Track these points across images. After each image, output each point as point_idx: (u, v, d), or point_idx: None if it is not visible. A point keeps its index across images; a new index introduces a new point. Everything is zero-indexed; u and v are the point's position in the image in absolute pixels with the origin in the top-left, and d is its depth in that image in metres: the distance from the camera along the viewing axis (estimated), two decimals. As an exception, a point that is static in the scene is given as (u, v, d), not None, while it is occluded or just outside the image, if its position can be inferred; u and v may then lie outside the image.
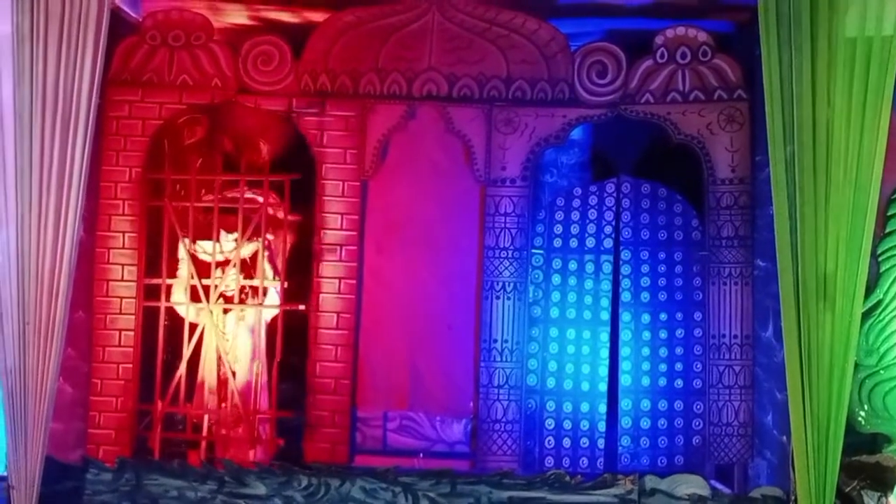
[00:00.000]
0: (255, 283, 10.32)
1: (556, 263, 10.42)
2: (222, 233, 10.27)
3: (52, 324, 7.61)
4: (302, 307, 10.18)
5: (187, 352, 10.18)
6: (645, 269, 10.33)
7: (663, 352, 10.25)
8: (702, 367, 10.13)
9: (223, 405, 10.16)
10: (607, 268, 10.39)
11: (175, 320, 10.34)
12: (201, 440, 10.16)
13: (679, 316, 10.26)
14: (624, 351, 10.27)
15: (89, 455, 9.07)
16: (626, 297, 10.33)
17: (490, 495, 8.09)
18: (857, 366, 8.02)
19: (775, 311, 8.32)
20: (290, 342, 10.30)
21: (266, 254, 10.22)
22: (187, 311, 10.24)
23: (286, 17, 10.35)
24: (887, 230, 8.46)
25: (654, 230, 10.36)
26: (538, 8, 10.21)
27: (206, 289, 10.24)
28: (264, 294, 10.30)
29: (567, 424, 10.27)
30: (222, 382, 10.20)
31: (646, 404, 10.21)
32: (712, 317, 10.09)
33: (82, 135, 7.64)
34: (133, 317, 10.12)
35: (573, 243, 10.44)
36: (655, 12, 10.07)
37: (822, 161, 7.36)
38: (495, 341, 10.18)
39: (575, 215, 10.46)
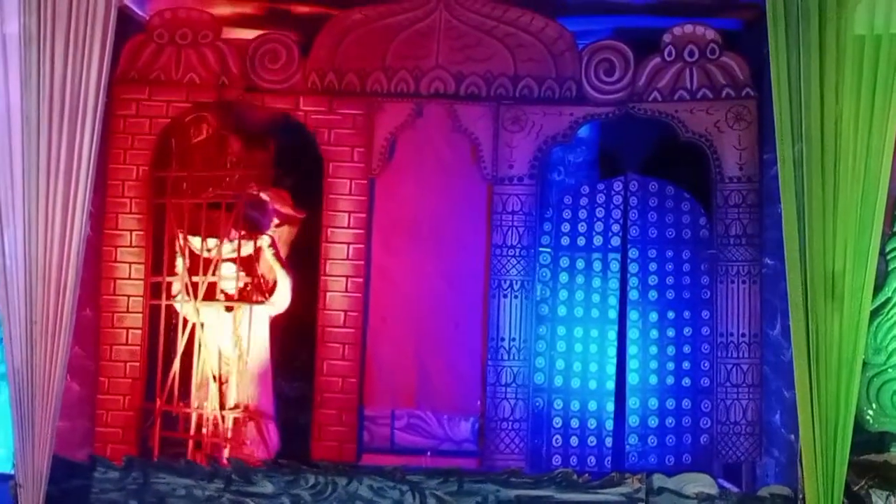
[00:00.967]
0: (261, 280, 10.31)
1: (564, 261, 10.41)
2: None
3: (60, 322, 7.61)
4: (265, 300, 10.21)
5: (180, 349, 10.15)
6: (653, 267, 10.32)
7: (671, 350, 10.24)
8: (710, 366, 10.12)
9: (223, 403, 10.09)
10: (615, 266, 10.38)
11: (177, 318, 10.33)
12: (200, 439, 10.10)
13: (687, 314, 10.25)
14: (631, 349, 10.26)
15: (96, 453, 9.08)
16: (633, 295, 10.32)
17: (497, 494, 8.09)
18: (865, 364, 8.01)
19: (783, 309, 8.30)
20: (296, 340, 10.31)
21: (272, 251, 10.18)
22: (181, 308, 10.20)
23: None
24: (895, 228, 8.44)
25: (661, 228, 10.34)
26: (546, 6, 10.20)
27: (195, 286, 10.21)
28: (270, 291, 10.27)
29: (574, 423, 10.26)
30: (223, 380, 10.14)
31: (653, 403, 10.20)
32: (720, 315, 10.07)
33: (89, 133, 7.64)
34: (140, 315, 10.14)
35: (581, 241, 10.43)
36: (663, 10, 10.06)
37: (830, 159, 7.34)
38: (503, 339, 10.18)
39: (582, 213, 10.45)
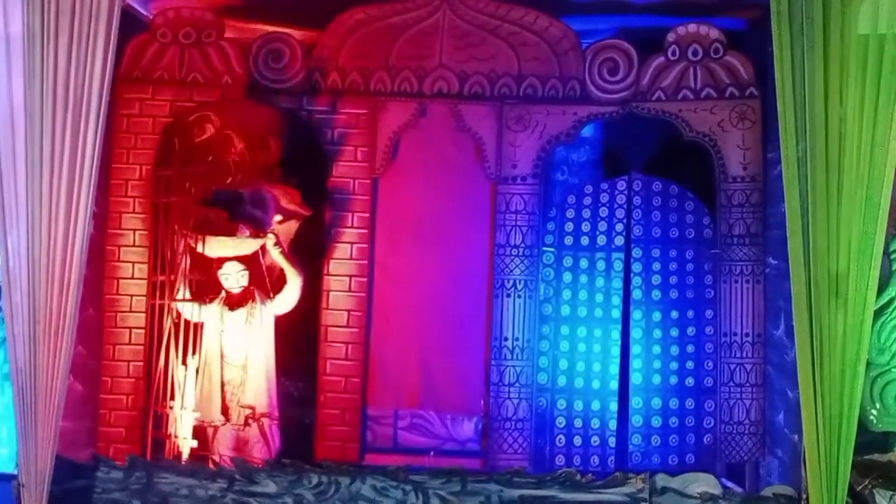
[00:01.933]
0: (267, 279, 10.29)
1: (567, 261, 10.40)
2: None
3: (63, 322, 7.60)
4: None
5: (177, 351, 10.12)
6: (656, 266, 10.32)
7: (674, 350, 10.24)
8: (713, 366, 10.12)
9: (227, 407, 10.04)
10: (618, 266, 10.38)
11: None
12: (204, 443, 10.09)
13: (690, 314, 10.25)
14: (635, 349, 10.26)
15: (100, 453, 9.07)
16: (637, 294, 10.32)
17: (501, 494, 8.08)
18: (868, 364, 7.99)
19: (787, 309, 8.29)
20: (299, 340, 10.31)
21: (279, 249, 10.13)
22: (184, 308, 10.11)
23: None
24: (899, 228, 8.44)
25: (665, 228, 10.34)
26: (549, 5, 10.19)
27: (200, 285, 10.18)
28: (274, 290, 10.24)
29: (578, 423, 10.26)
30: (229, 380, 10.09)
31: (657, 402, 10.20)
32: (724, 315, 10.07)
33: (93, 133, 7.63)
34: (143, 315, 10.14)
35: (584, 241, 10.43)
36: (667, 9, 10.05)
37: (834, 159, 7.33)
38: (506, 339, 10.18)
39: (586, 213, 10.45)
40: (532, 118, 10.23)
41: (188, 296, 10.08)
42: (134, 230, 10.18)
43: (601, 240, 10.42)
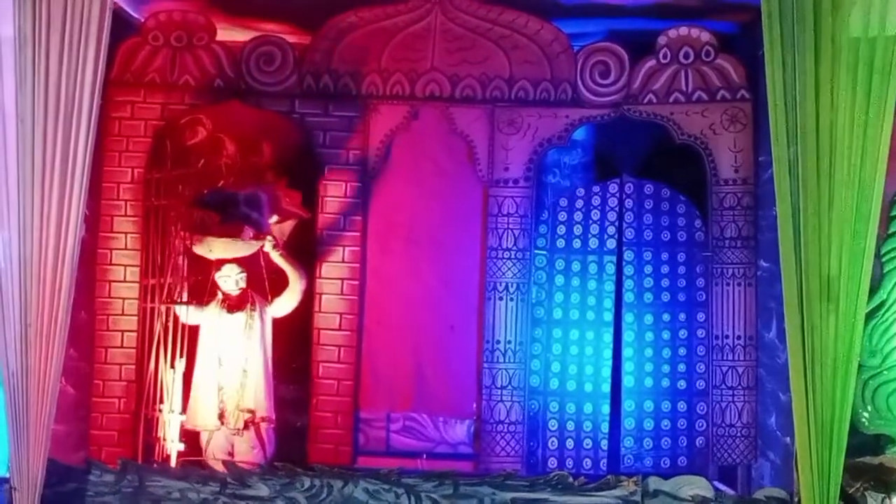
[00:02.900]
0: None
1: (559, 264, 10.41)
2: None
3: (54, 325, 7.58)
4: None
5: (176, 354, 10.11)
6: (648, 269, 10.33)
7: (666, 353, 10.25)
8: (705, 368, 10.13)
9: (223, 408, 9.99)
10: (610, 268, 10.39)
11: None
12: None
13: (682, 317, 10.26)
14: (627, 352, 10.27)
15: (92, 456, 9.06)
16: (629, 297, 10.33)
17: (493, 497, 8.07)
18: (860, 367, 7.99)
19: (779, 311, 8.30)
20: (292, 343, 10.30)
21: (279, 252, 10.07)
22: (182, 312, 10.03)
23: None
24: (890, 231, 8.45)
25: (657, 231, 10.35)
26: (541, 8, 10.19)
27: (198, 288, 10.17)
28: (276, 293, 10.17)
29: (570, 425, 10.27)
30: (228, 384, 10.01)
31: (649, 405, 10.20)
32: (715, 318, 10.08)
33: (84, 136, 7.61)
34: (135, 318, 10.12)
35: (576, 244, 10.44)
36: (658, 12, 10.05)
37: (825, 162, 7.33)
38: (498, 342, 10.18)
39: (578, 216, 10.46)
40: (524, 121, 10.24)
41: (185, 298, 10.03)
42: (126, 233, 10.17)
43: (593, 243, 10.42)
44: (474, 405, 10.31)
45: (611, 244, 10.41)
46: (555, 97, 10.22)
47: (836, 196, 7.32)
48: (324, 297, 10.15)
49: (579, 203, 10.49)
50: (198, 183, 10.24)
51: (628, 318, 10.31)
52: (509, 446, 10.11)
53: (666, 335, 10.26)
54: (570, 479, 8.12)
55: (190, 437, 9.97)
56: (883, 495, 8.04)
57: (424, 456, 10.31)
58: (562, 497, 8.05)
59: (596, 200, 10.47)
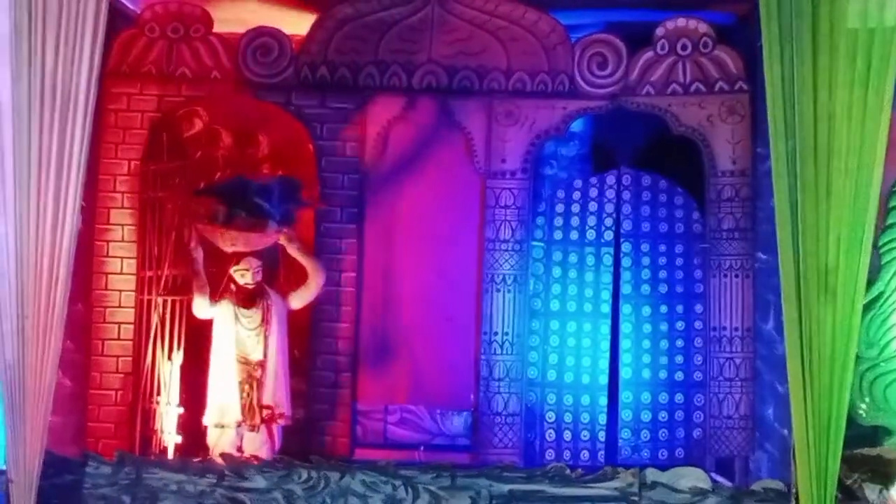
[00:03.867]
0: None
1: (557, 256, 10.42)
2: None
3: (51, 317, 7.56)
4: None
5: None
6: (645, 261, 10.34)
7: (664, 344, 10.26)
8: (702, 360, 10.14)
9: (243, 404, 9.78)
10: (608, 260, 10.40)
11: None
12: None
13: (680, 308, 10.27)
14: (624, 343, 10.28)
15: (89, 449, 9.05)
16: (626, 289, 10.33)
17: (490, 488, 8.06)
18: (858, 358, 7.97)
19: (776, 303, 8.30)
20: (289, 335, 10.27)
21: (296, 245, 9.84)
22: (197, 306, 9.80)
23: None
24: (888, 222, 8.43)
25: (654, 222, 10.36)
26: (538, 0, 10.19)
27: (217, 280, 10.07)
28: (291, 286, 10.00)
29: (568, 417, 10.27)
30: (246, 379, 9.76)
31: (646, 397, 10.21)
32: (713, 309, 10.08)
33: (80, 128, 7.59)
34: (132, 310, 10.11)
35: (574, 235, 10.44)
36: (656, 3, 10.07)
37: (823, 153, 7.31)
38: (496, 334, 10.18)
39: (575, 207, 10.47)
40: (521, 113, 10.23)
41: (203, 291, 9.72)
42: (122, 225, 10.16)
43: (590, 234, 10.43)
44: (472, 397, 10.31)
45: (608, 236, 10.42)
46: (552, 89, 10.21)
47: (833, 187, 7.31)
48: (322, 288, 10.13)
49: (577, 195, 10.50)
50: (194, 175, 10.22)
51: (626, 309, 10.31)
52: (507, 438, 10.11)
53: (663, 327, 10.27)
54: (568, 471, 8.11)
55: (191, 431, 9.87)
56: (880, 486, 8.03)
57: (422, 448, 10.32)
58: (559, 489, 8.05)
59: (593, 192, 10.48)
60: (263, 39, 10.22)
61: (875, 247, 8.12)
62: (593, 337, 10.36)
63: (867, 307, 8.17)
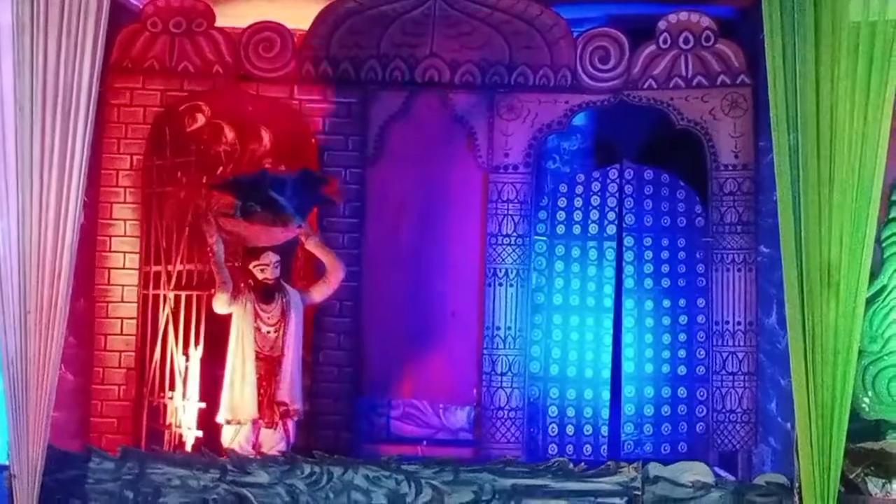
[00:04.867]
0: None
1: (559, 250, 10.41)
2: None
3: (54, 312, 7.57)
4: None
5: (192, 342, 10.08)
6: (648, 255, 10.32)
7: (666, 338, 10.25)
8: (705, 354, 10.13)
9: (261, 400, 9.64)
10: (610, 254, 10.39)
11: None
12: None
13: (682, 302, 10.26)
14: (627, 338, 10.28)
15: (91, 443, 9.04)
16: (629, 283, 10.33)
17: (493, 483, 8.06)
18: (860, 352, 7.96)
19: (779, 297, 8.28)
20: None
21: (315, 240, 9.63)
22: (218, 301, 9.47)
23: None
24: (890, 216, 8.41)
25: (657, 216, 10.35)
26: (540, -7, 10.19)
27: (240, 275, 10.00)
28: (309, 281, 9.87)
29: (570, 412, 10.27)
30: (264, 376, 9.42)
31: (649, 391, 10.21)
32: (716, 303, 10.07)
33: (83, 123, 7.60)
34: (135, 305, 10.13)
35: (576, 230, 10.43)
36: (658, -3, 10.07)
37: (825, 146, 7.31)
38: (498, 328, 10.18)
39: (578, 202, 10.46)
40: (523, 107, 10.23)
41: (226, 288, 9.42)
42: (125, 220, 10.18)
43: (593, 228, 10.42)
44: (474, 392, 10.30)
45: (611, 230, 10.41)
46: (554, 83, 10.21)
47: (836, 181, 7.31)
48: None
49: (579, 189, 10.49)
50: (197, 169, 10.21)
51: (628, 303, 10.31)
52: (509, 433, 10.11)
53: (666, 321, 10.27)
54: (571, 466, 8.11)
55: (204, 427, 9.80)
56: (883, 480, 8.03)
57: (424, 442, 10.31)
58: (562, 483, 8.05)
59: (596, 186, 10.47)
60: (266, 34, 10.22)
61: (878, 241, 8.12)
62: (596, 331, 10.35)
63: (870, 301, 8.16)
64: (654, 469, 8.12)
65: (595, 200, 10.45)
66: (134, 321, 10.13)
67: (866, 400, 8.38)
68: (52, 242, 7.57)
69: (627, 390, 10.22)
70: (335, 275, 9.63)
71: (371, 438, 10.32)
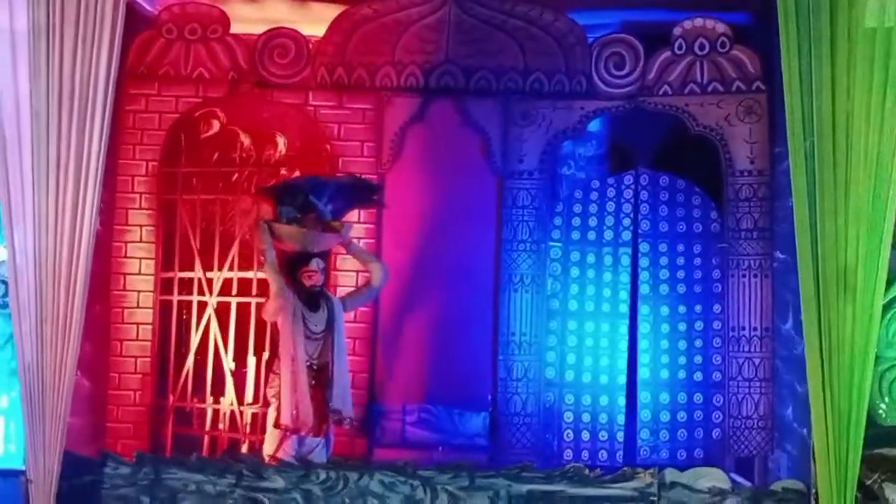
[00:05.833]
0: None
1: (575, 256, 10.41)
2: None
3: (70, 318, 7.58)
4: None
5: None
6: (663, 261, 10.32)
7: (682, 344, 10.24)
8: (721, 360, 10.12)
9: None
10: (625, 260, 10.38)
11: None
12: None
13: (698, 308, 10.25)
14: (642, 344, 10.26)
15: (107, 449, 9.05)
16: (644, 289, 10.32)
17: (509, 489, 8.05)
18: (877, 358, 7.94)
19: (795, 303, 8.27)
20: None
21: (357, 245, 9.65)
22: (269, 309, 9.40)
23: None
24: (907, 221, 8.40)
25: (672, 222, 10.34)
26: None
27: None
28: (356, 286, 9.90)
29: (586, 417, 10.26)
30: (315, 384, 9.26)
31: (665, 397, 10.20)
32: (732, 309, 10.06)
33: (99, 129, 7.61)
34: (150, 310, 10.16)
35: (591, 236, 10.43)
36: (673, 3, 10.07)
37: (841, 152, 7.30)
38: (513, 334, 10.18)
39: (593, 208, 10.46)
40: (538, 113, 10.23)
41: (280, 295, 9.24)
42: (140, 226, 10.21)
43: (608, 234, 10.42)
44: (490, 397, 10.29)
45: (626, 236, 10.40)
46: (569, 89, 10.21)
47: (852, 187, 7.29)
48: (338, 289, 10.11)
49: (594, 195, 10.49)
50: (212, 176, 10.25)
51: (644, 309, 10.30)
52: (525, 438, 10.11)
53: (682, 327, 10.25)
54: (586, 471, 8.09)
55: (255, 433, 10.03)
56: (900, 487, 8.02)
57: (440, 448, 10.29)
58: (577, 489, 8.03)
59: (611, 192, 10.47)
60: (280, 40, 10.25)
61: (894, 246, 8.08)
62: (611, 337, 10.34)
63: (887, 307, 8.13)
64: (671, 475, 8.10)
65: (610, 206, 10.44)
66: (149, 327, 10.17)
67: (883, 406, 8.34)
68: (67, 248, 7.58)
69: (643, 396, 10.21)
70: (380, 279, 9.52)
71: (386, 444, 10.31)
